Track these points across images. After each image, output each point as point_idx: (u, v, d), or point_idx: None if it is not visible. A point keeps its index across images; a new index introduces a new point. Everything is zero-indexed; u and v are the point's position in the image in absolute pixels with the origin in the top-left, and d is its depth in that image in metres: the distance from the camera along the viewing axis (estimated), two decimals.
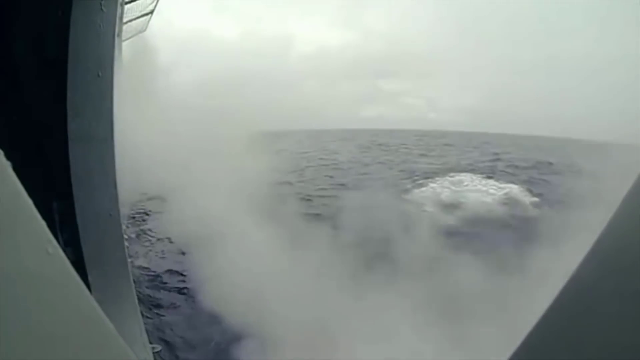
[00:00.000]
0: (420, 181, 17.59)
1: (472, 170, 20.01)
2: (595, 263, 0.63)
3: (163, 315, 7.74)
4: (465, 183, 17.06)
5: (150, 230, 11.86)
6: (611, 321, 0.54)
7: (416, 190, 16.02)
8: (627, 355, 0.49)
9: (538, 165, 22.33)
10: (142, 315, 2.45)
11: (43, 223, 0.45)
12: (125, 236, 2.73)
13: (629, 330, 0.50)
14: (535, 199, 14.43)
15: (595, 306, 0.58)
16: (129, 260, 2.21)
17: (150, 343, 2.42)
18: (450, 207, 13.95)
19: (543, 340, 0.67)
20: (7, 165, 0.42)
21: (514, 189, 15.71)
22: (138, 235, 11.49)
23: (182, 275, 9.17)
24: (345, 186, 17.24)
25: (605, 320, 0.55)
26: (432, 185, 16.82)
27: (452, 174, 18.66)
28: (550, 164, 23.02)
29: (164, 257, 10.21)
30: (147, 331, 2.38)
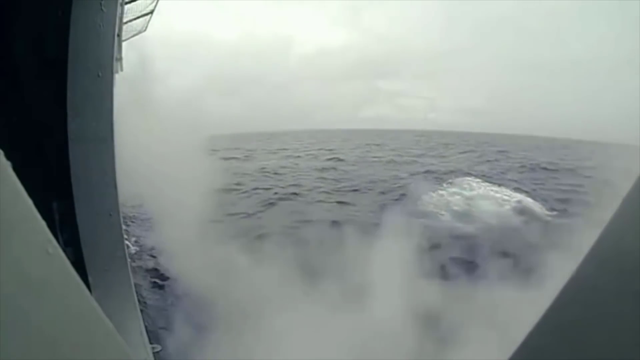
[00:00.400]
0: (427, 185, 16.80)
1: (476, 173, 19.18)
2: (595, 263, 0.63)
3: None
4: (473, 189, 16.41)
5: None
6: (611, 321, 0.54)
7: (425, 197, 15.33)
8: (627, 355, 0.50)
9: (542, 169, 21.61)
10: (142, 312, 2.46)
11: (43, 223, 0.45)
12: None
13: (629, 330, 0.50)
14: (550, 212, 13.80)
15: (595, 306, 0.58)
16: (129, 260, 2.21)
17: (151, 343, 2.42)
18: (464, 217, 13.31)
19: (543, 340, 0.67)
20: (7, 165, 0.42)
21: (524, 196, 15.10)
22: None
23: None
24: (349, 190, 16.66)
25: (605, 320, 0.55)
26: (440, 191, 16.14)
27: (457, 177, 17.87)
28: (554, 166, 22.27)
29: None
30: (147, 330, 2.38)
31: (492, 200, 14.93)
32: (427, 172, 19.95)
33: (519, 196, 15.31)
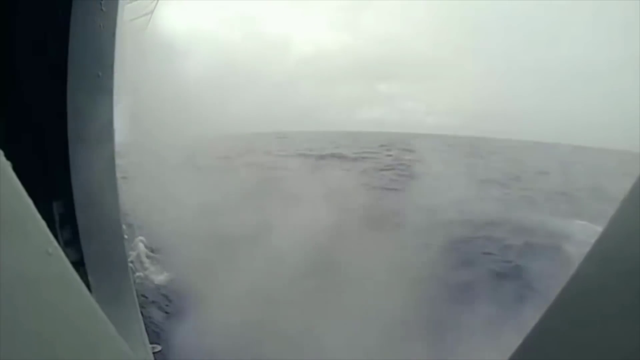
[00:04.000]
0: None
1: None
2: (595, 263, 0.63)
3: None
4: None
5: None
6: (611, 321, 0.54)
7: None
8: (627, 356, 0.50)
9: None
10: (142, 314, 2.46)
11: (43, 223, 0.45)
12: None
13: (629, 330, 0.50)
14: None
15: (595, 306, 0.58)
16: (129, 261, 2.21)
17: (150, 343, 2.42)
18: None
19: (543, 340, 0.67)
20: (7, 165, 0.42)
21: None
22: None
23: None
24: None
25: (605, 321, 0.55)
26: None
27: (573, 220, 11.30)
28: None
29: None
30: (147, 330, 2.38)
31: None
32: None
33: None
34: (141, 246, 10.23)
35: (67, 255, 0.47)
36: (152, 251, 10.21)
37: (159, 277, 9.23)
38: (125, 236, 2.15)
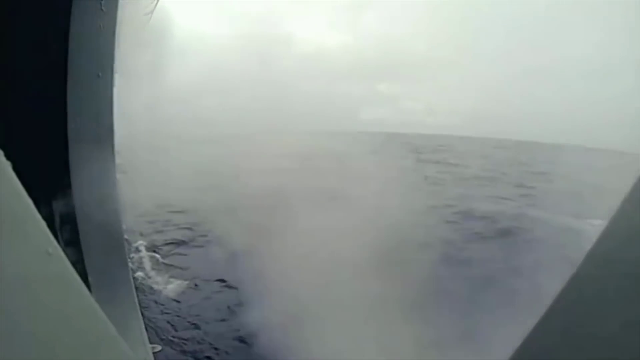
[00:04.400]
0: None
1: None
2: (595, 263, 0.63)
3: None
4: None
5: None
6: (612, 322, 0.54)
7: None
8: (628, 356, 0.50)
9: None
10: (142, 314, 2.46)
11: (43, 223, 0.45)
12: None
13: (630, 331, 0.50)
14: None
15: (596, 307, 0.58)
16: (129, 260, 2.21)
17: (151, 343, 2.42)
18: None
19: (543, 340, 0.67)
20: (7, 165, 0.42)
21: None
22: None
23: None
24: None
25: (606, 321, 0.55)
26: None
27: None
28: None
29: None
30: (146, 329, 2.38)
31: None
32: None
33: None
34: None
35: (67, 255, 0.47)
36: None
37: None
38: (126, 236, 2.15)
